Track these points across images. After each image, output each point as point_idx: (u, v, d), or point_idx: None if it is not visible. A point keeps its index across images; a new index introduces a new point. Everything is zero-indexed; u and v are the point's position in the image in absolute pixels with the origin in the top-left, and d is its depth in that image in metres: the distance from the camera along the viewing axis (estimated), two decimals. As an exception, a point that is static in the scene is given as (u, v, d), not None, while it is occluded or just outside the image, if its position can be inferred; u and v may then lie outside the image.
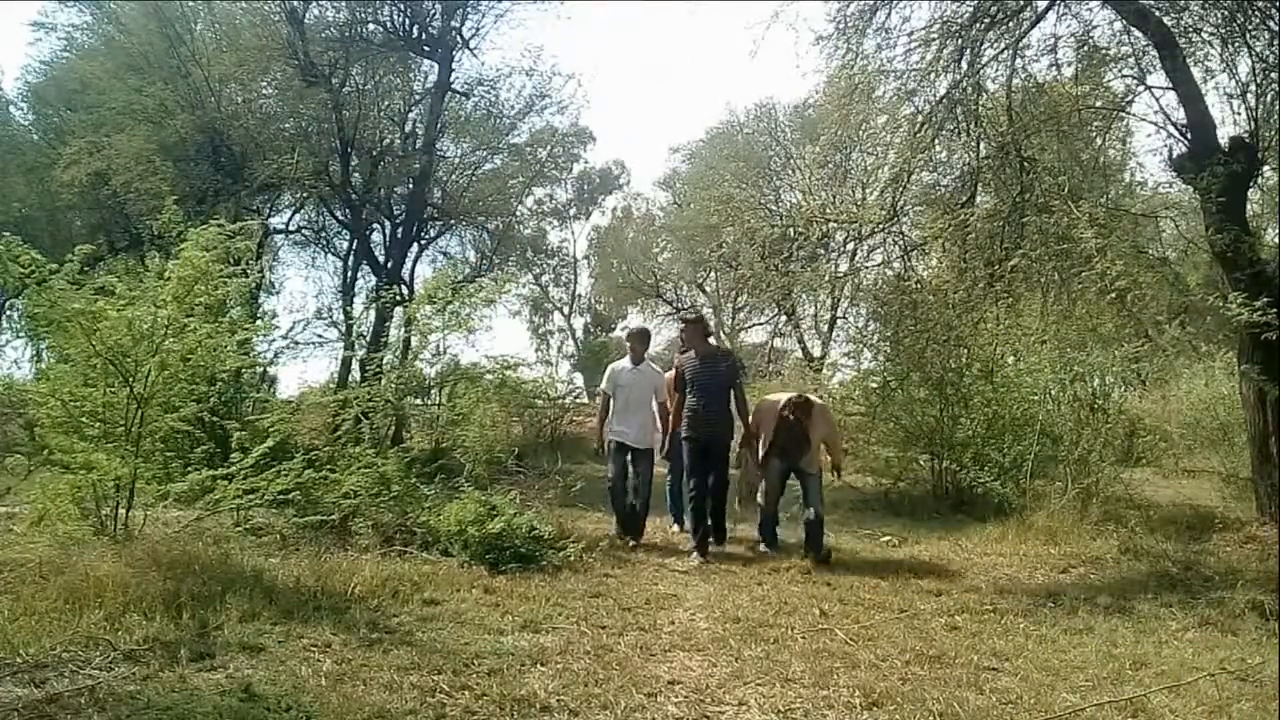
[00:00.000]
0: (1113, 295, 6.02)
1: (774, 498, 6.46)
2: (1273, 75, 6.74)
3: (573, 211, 26.98)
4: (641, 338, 7.13)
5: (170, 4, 12.53)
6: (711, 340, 6.71)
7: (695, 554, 6.01)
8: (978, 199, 7.62)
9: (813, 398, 6.66)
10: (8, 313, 16.26)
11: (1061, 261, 6.80)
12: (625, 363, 6.92)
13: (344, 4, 13.11)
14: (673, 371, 6.74)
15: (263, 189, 13.05)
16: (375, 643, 3.71)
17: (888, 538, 6.88)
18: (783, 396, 6.55)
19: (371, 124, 13.88)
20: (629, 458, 6.70)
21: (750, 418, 6.42)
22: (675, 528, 7.07)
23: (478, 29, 13.64)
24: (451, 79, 13.72)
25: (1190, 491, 9.15)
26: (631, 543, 6.42)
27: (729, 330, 21.36)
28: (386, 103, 14.44)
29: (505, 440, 11.06)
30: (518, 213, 17.98)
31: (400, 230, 14.70)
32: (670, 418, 6.64)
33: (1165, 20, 6.53)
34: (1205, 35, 6.81)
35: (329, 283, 17.44)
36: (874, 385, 9.72)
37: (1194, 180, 6.70)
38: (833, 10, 7.15)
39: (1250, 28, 6.66)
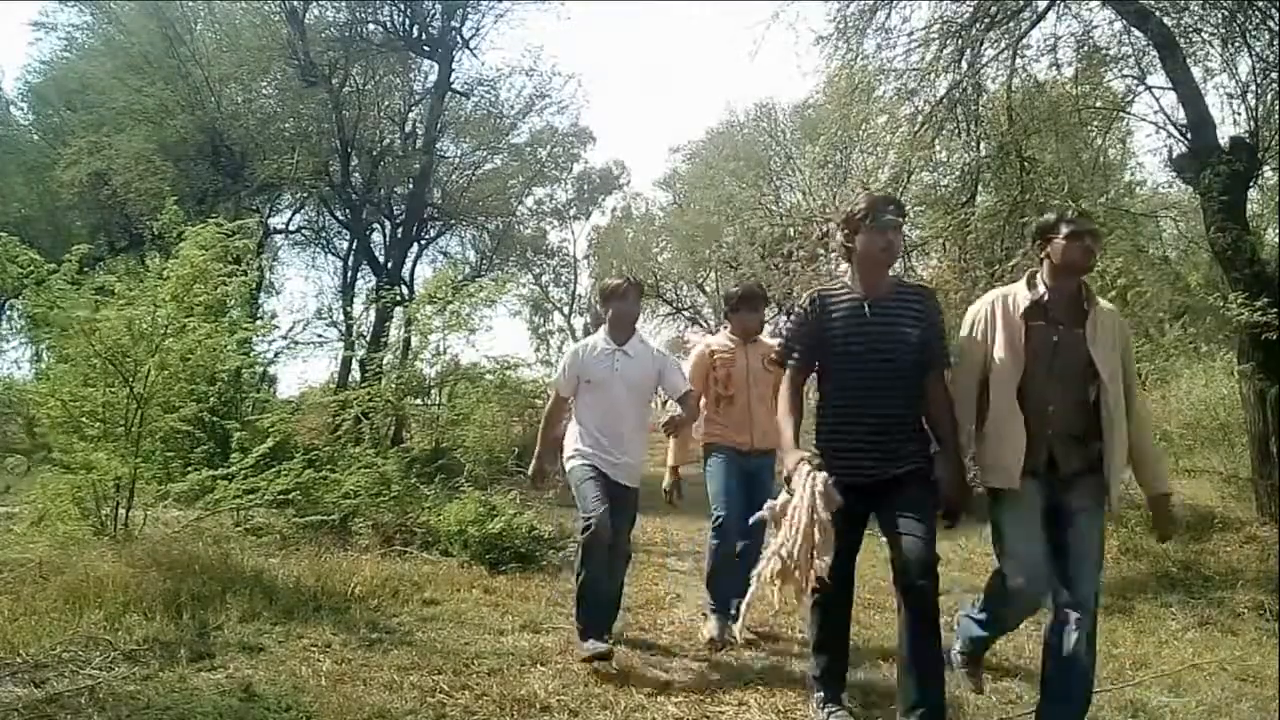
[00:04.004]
0: (1113, 294, 6.02)
1: (1039, 578, 2.74)
2: (1273, 75, 6.74)
3: (572, 211, 26.92)
4: (623, 297, 3.89)
5: (170, 4, 12.54)
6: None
7: None
8: (978, 199, 7.62)
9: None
10: (7, 313, 16.25)
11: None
12: (600, 340, 3.91)
13: (344, 4, 13.13)
14: (710, 346, 4.24)
15: (263, 189, 13.06)
16: (375, 643, 3.70)
17: (888, 538, 6.88)
18: (995, 299, 2.86)
19: (371, 124, 13.90)
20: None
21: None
22: (710, 624, 4.01)
23: (478, 29, 13.72)
24: (451, 79, 13.76)
25: (1190, 491, 9.12)
26: (598, 653, 3.46)
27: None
28: (386, 103, 14.46)
29: (505, 440, 11.06)
30: (517, 213, 18.01)
31: (400, 230, 14.72)
32: (686, 431, 4.01)
33: (1165, 20, 6.53)
34: (1205, 35, 6.82)
35: (329, 283, 17.49)
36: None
37: (1194, 180, 6.70)
38: (833, 10, 7.17)
39: (1250, 28, 6.66)
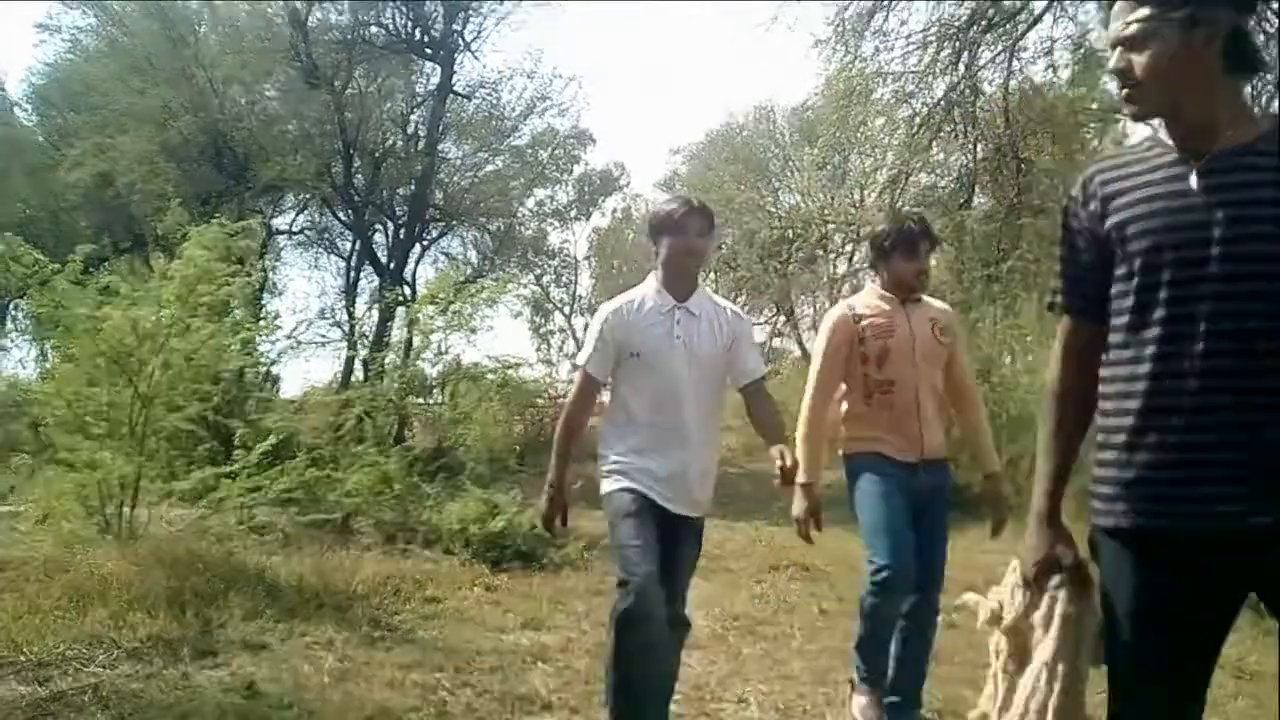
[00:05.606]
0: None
1: None
2: (1272, 75, 6.76)
3: (573, 213, 26.95)
4: (684, 227, 2.56)
5: (174, 6, 12.60)
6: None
7: None
8: (975, 200, 7.66)
9: None
10: (12, 313, 16.30)
11: (1060, 262, 6.85)
12: (648, 293, 2.63)
13: (346, 7, 13.19)
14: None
15: (266, 190, 13.10)
16: (377, 640, 3.73)
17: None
18: None
19: (374, 126, 13.92)
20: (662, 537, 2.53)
21: None
22: (859, 702, 2.93)
23: (479, 31, 13.76)
24: (453, 81, 13.82)
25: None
26: None
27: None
28: (389, 105, 14.49)
29: (507, 439, 11.10)
30: (519, 214, 18.01)
31: (402, 231, 14.76)
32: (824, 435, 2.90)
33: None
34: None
35: (332, 283, 17.45)
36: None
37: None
38: (831, 13, 7.21)
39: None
